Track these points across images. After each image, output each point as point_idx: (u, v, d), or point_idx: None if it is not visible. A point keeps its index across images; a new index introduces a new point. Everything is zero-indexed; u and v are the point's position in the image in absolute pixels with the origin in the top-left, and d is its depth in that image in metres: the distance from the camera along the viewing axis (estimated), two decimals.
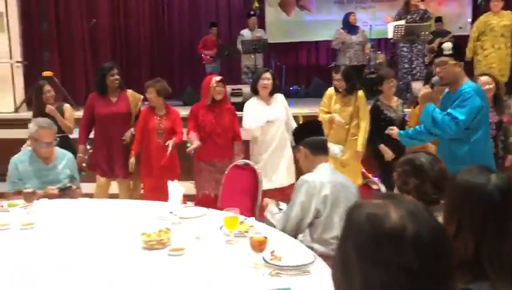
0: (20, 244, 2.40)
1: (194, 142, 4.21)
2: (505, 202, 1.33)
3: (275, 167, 4.31)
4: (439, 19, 7.76)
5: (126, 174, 4.50)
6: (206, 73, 9.44)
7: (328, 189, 2.48)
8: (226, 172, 3.57)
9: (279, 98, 4.45)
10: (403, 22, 6.07)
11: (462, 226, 1.34)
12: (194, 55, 9.80)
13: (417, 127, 3.38)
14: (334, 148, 4.40)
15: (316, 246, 2.44)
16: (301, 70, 10.99)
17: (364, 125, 4.52)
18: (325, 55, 10.95)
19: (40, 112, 4.53)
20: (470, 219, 1.33)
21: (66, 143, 4.23)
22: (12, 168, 3.35)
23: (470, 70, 5.82)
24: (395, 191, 2.09)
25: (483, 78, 4.05)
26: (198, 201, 4.30)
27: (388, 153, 4.42)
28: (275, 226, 2.57)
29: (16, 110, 6.99)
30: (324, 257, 2.13)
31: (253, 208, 3.24)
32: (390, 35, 6.14)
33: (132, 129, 4.46)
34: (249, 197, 3.32)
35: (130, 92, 4.62)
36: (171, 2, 10.36)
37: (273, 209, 2.71)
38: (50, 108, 4.48)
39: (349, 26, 7.58)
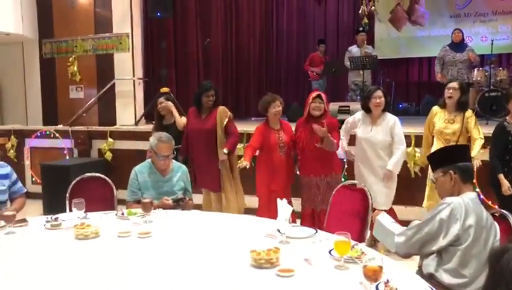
0: (138, 252, 2.55)
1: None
2: None
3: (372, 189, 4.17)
4: None
5: (217, 189, 4.69)
6: (312, 90, 9.48)
7: (473, 219, 2.29)
8: (334, 192, 3.49)
9: (389, 119, 4.30)
10: None
11: None
12: (300, 72, 9.88)
13: None
14: None
15: (444, 276, 2.25)
16: (412, 87, 10.57)
17: (480, 142, 4.26)
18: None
19: (159, 125, 4.89)
20: None
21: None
22: (132, 178, 3.59)
23: None
24: None
25: None
26: (305, 217, 4.31)
27: (505, 186, 4.02)
28: (385, 236, 2.44)
29: (136, 123, 7.55)
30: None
31: (362, 232, 3.12)
32: None
33: (225, 150, 4.56)
34: (358, 220, 3.20)
35: (220, 109, 4.75)
36: (280, 19, 10.58)
37: (388, 217, 2.59)
38: (163, 106, 4.87)
39: (453, 44, 7.28)
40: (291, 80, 10.45)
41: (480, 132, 4.33)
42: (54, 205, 5.64)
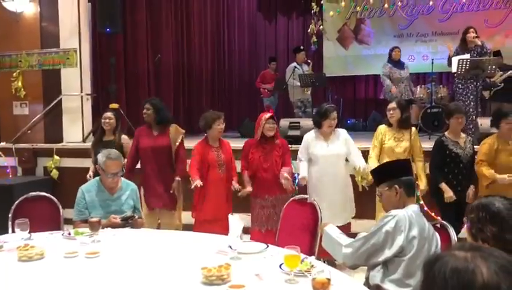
0: (86, 273, 2.48)
1: (246, 186, 4.36)
2: None
3: (333, 204, 4.24)
4: (497, 53, 7.44)
5: (172, 206, 4.65)
6: (263, 106, 9.60)
7: (416, 231, 2.39)
8: (284, 207, 3.54)
9: (341, 133, 4.43)
10: (467, 56, 5.89)
11: None
12: (252, 88, 9.99)
13: None
14: None
15: (390, 286, 2.33)
16: (359, 103, 10.92)
17: (421, 164, 4.47)
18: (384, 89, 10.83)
19: (99, 141, 4.81)
20: None
21: None
22: (79, 197, 3.50)
23: None
24: (468, 238, 1.97)
25: None
26: (253, 236, 4.31)
27: (449, 193, 4.22)
28: (333, 247, 2.51)
29: (84, 140, 7.35)
30: None
31: (312, 245, 3.18)
32: (454, 69, 5.97)
33: (177, 178, 4.56)
34: (308, 234, 3.27)
35: (173, 127, 4.76)
36: (231, 36, 10.69)
37: (336, 229, 2.66)
38: (111, 122, 4.85)
39: (394, 62, 7.63)
40: (243, 96, 10.55)
41: (421, 149, 4.52)
42: None
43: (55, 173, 6.51)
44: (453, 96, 7.17)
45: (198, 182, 4.14)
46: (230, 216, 2.74)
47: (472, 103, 6.00)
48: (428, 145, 4.77)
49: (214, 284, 2.24)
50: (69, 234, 3.08)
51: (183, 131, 4.80)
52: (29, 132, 7.38)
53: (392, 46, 8.09)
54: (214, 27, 10.27)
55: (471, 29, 6.17)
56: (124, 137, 5.01)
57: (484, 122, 5.42)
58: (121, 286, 2.30)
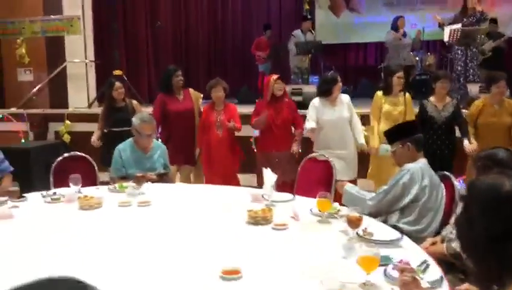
0: (141, 220, 2.86)
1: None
2: None
3: (339, 162, 4.64)
4: (493, 21, 7.82)
5: (194, 163, 5.04)
6: (258, 72, 9.91)
7: (427, 180, 2.84)
8: (301, 164, 3.95)
9: (344, 98, 4.80)
10: (459, 26, 6.28)
11: None
12: (246, 56, 10.26)
13: None
14: (386, 147, 4.75)
15: (404, 226, 2.78)
16: (349, 71, 11.25)
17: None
18: (373, 56, 11.21)
19: (111, 108, 5.00)
20: None
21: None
22: (116, 156, 3.84)
23: None
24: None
25: None
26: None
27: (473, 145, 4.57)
28: (356, 203, 2.92)
29: (89, 105, 7.60)
30: (409, 236, 2.48)
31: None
32: (446, 38, 6.37)
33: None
34: (324, 187, 3.69)
35: (191, 90, 5.12)
36: (225, 4, 10.82)
37: (355, 187, 3.09)
38: (121, 91, 4.99)
39: (398, 29, 7.95)
40: (238, 63, 10.79)
41: (413, 113, 4.89)
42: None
43: (67, 137, 6.78)
44: (441, 64, 7.60)
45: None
46: (264, 170, 3.13)
47: (472, 70, 6.43)
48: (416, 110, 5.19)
49: (259, 224, 2.65)
50: (115, 187, 3.44)
51: (201, 95, 5.13)
52: (34, 98, 7.58)
53: (383, 15, 8.43)
54: None
55: None
56: (134, 102, 5.21)
57: (473, 88, 5.88)
58: (176, 230, 2.67)
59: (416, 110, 4.98)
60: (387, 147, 4.71)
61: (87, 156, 4.06)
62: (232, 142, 4.88)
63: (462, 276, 2.38)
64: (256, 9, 11.39)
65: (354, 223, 2.38)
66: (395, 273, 1.90)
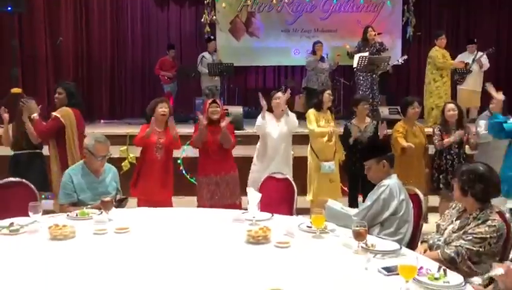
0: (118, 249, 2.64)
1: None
2: None
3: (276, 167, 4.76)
4: None
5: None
6: (164, 93, 9.72)
7: (404, 195, 3.11)
8: (261, 182, 4.00)
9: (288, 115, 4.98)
10: (366, 54, 6.91)
11: None
12: (150, 76, 10.05)
13: None
14: (329, 164, 5.07)
15: (386, 238, 2.93)
16: (250, 92, 11.57)
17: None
18: (272, 79, 11.70)
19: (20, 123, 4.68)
20: None
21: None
22: (67, 180, 3.50)
23: None
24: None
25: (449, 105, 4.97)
26: None
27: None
28: (339, 218, 3.05)
29: None
30: None
31: (291, 213, 3.69)
32: (355, 64, 6.95)
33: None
34: (286, 205, 3.77)
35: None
36: (124, 25, 10.43)
37: (338, 203, 3.25)
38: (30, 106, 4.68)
39: (315, 53, 8.45)
40: (143, 84, 10.45)
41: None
42: None
43: None
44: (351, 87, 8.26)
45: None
46: (248, 189, 3.12)
47: (374, 93, 7.08)
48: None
49: (260, 243, 2.63)
50: (76, 215, 3.12)
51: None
52: None
53: (281, 40, 8.85)
54: (114, 9, 9.98)
55: (370, 28, 7.22)
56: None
57: (384, 110, 6.50)
58: (171, 257, 2.51)
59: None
60: (330, 164, 5.08)
61: (24, 180, 3.62)
62: (169, 165, 4.70)
63: None
64: (156, 31, 11.16)
65: (362, 236, 2.49)
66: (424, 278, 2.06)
